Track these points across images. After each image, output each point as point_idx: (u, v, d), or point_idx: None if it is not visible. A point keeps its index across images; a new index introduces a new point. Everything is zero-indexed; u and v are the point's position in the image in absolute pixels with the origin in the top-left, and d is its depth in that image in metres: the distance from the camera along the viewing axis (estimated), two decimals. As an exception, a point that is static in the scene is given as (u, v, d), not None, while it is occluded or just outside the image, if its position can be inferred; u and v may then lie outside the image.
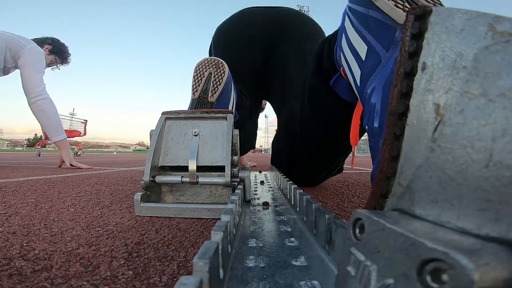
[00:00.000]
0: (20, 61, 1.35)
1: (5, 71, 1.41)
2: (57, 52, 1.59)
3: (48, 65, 1.56)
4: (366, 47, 0.30)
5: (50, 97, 1.39)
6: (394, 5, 0.27)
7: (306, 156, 0.66)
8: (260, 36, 0.87)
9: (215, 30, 0.96)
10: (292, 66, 0.83)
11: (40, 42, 1.52)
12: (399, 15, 0.26)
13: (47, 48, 1.54)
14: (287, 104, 0.80)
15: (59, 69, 1.69)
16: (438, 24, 0.14)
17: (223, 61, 0.64)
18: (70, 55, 1.69)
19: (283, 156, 0.79)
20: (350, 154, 0.62)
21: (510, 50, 0.10)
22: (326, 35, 0.77)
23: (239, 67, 0.84)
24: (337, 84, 0.46)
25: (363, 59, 0.31)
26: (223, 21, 0.96)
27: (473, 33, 0.12)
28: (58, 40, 1.62)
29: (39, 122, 1.42)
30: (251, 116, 0.94)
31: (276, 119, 0.95)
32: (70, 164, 1.43)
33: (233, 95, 0.71)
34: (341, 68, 0.41)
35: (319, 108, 0.55)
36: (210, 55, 0.97)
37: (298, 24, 0.89)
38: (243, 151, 1.15)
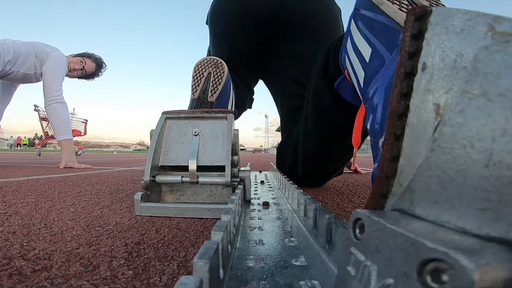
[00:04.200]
0: (44, 66, 1.48)
1: (37, 78, 1.53)
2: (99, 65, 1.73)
3: (88, 75, 1.70)
4: (371, 50, 0.31)
5: (65, 102, 1.51)
6: (399, 8, 0.27)
7: (308, 156, 0.66)
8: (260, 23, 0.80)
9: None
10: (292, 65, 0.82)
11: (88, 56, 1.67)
12: (403, 18, 0.26)
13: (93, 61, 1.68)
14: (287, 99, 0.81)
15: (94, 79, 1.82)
16: (438, 24, 0.14)
17: (222, 61, 0.64)
18: (101, 73, 1.81)
19: (285, 156, 0.79)
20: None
21: (510, 50, 0.10)
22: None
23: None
24: (341, 86, 0.47)
25: (367, 61, 0.31)
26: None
27: (473, 33, 0.12)
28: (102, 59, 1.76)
29: (50, 121, 1.52)
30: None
31: (276, 119, 0.96)
32: (68, 166, 1.45)
33: (232, 95, 0.71)
34: (346, 70, 0.41)
35: (323, 110, 0.56)
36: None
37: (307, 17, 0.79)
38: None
